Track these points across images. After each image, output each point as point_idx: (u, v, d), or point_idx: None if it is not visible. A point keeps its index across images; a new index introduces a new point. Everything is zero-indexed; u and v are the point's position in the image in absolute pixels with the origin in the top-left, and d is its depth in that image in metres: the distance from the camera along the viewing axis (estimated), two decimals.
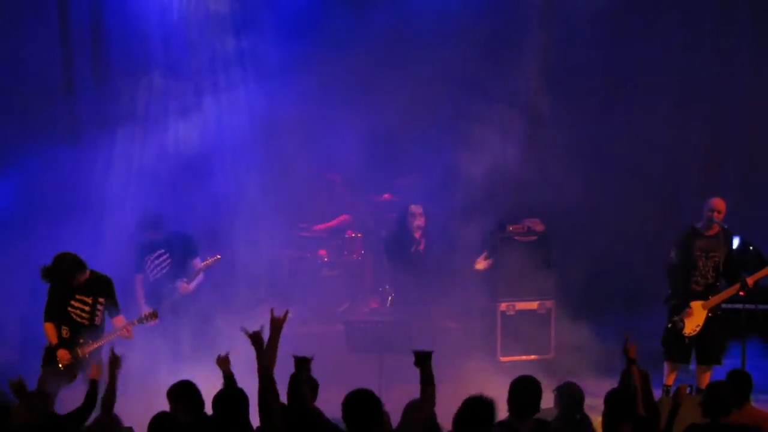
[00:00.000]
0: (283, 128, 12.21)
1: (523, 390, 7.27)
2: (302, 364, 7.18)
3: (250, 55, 12.25)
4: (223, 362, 7.93)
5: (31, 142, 11.95)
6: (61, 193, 11.85)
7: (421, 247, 11.67)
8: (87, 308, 9.96)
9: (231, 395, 7.15)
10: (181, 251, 11.08)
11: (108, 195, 11.91)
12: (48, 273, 9.79)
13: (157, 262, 11.10)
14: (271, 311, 7.33)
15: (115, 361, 7.62)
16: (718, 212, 10.67)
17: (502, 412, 7.60)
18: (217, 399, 7.13)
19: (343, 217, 13.03)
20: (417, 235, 11.67)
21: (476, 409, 6.90)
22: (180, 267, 11.09)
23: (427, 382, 7.07)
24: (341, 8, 12.54)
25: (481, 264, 11.70)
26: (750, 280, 10.61)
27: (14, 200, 11.96)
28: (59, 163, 11.91)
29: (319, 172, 12.87)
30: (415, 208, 11.70)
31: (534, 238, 12.61)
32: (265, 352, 7.21)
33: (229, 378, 7.84)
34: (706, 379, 10.65)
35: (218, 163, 12.24)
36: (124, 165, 12.01)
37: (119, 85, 12.37)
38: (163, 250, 11.07)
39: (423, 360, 7.12)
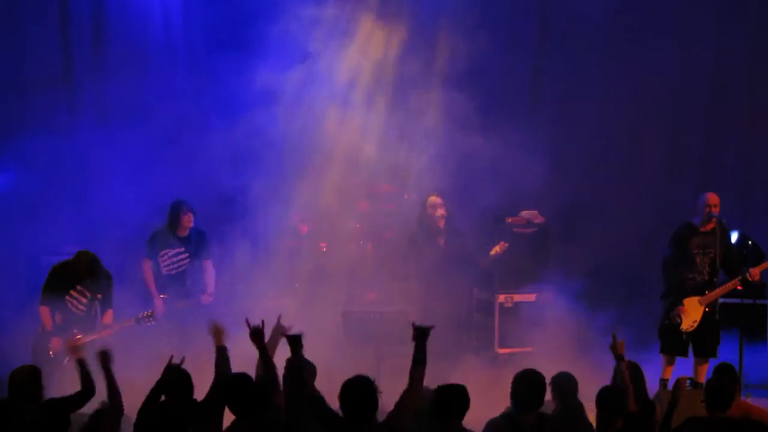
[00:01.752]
0: (283, 118, 12.18)
1: (528, 384, 7.26)
2: (295, 342, 7.09)
3: (253, 41, 12.21)
4: (217, 332, 7.83)
5: (31, 131, 11.94)
6: (60, 183, 11.83)
7: (442, 241, 11.38)
8: (84, 300, 10.05)
9: (239, 381, 7.09)
10: (197, 251, 11.06)
11: (108, 184, 11.87)
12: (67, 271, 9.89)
13: (175, 259, 11.05)
14: (279, 318, 7.37)
15: (105, 357, 7.35)
16: (715, 206, 10.72)
17: (498, 403, 7.63)
18: (227, 384, 7.10)
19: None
20: (441, 224, 11.33)
21: (450, 397, 6.91)
22: (193, 267, 11.07)
23: (418, 363, 7.03)
24: None
25: (496, 249, 11.51)
26: (755, 271, 10.60)
27: (13, 190, 11.92)
28: (58, 153, 11.90)
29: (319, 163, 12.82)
30: (435, 199, 11.44)
31: (533, 230, 12.61)
32: (264, 348, 7.20)
33: (221, 351, 7.78)
34: (703, 371, 10.72)
35: (218, 153, 12.21)
36: (124, 154, 11.97)
37: (119, 74, 12.34)
38: (183, 249, 11.04)
39: (421, 335, 7.09)
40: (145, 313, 10.32)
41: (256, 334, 7.27)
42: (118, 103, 12.28)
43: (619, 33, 13.61)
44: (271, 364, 7.27)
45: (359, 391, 6.72)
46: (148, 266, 11.05)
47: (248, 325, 7.30)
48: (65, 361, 9.75)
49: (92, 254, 10.06)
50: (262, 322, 7.31)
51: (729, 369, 8.36)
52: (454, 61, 12.69)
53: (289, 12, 11.97)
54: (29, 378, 7.51)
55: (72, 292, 10.05)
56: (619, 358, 7.75)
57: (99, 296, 10.13)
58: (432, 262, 11.23)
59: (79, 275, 10.01)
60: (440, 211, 11.36)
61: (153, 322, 10.35)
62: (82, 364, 7.63)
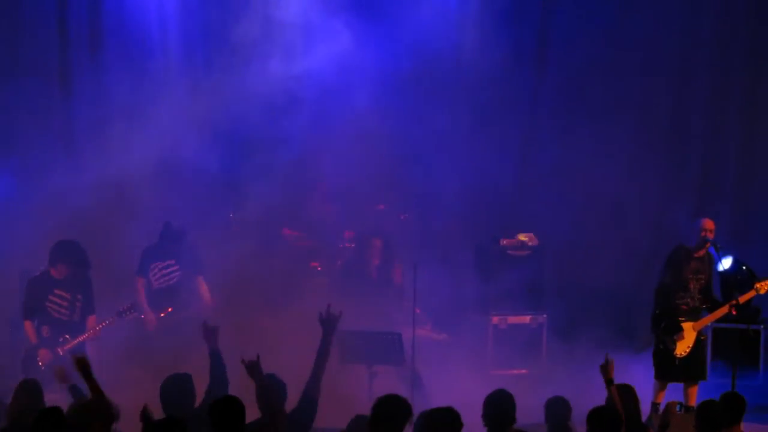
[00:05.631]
0: (279, 128, 12.19)
1: (498, 403, 7.22)
2: (252, 369, 7.08)
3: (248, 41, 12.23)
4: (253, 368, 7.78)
5: (27, 135, 11.94)
6: (55, 191, 11.81)
7: (374, 275, 11.44)
8: (65, 303, 10.07)
9: (227, 404, 6.86)
10: (188, 264, 11.02)
11: (104, 189, 11.82)
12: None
13: (165, 271, 11.00)
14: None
15: (82, 363, 7.10)
16: (711, 231, 10.79)
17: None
18: (213, 407, 6.87)
19: None
20: (375, 263, 11.42)
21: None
22: (186, 282, 11.03)
23: (322, 354, 7.25)
24: None
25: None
26: (742, 300, 10.68)
27: (6, 200, 11.89)
28: (55, 158, 11.90)
29: (312, 181, 12.81)
30: (376, 242, 11.49)
31: (528, 252, 12.63)
32: (263, 383, 7.07)
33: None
34: (693, 395, 10.78)
35: (213, 161, 12.20)
36: (121, 157, 11.95)
37: (116, 76, 12.34)
38: (173, 261, 11.00)
39: (328, 324, 7.27)
40: (125, 306, 10.32)
41: (253, 369, 7.07)
42: (115, 104, 12.27)
43: (616, 59, 13.67)
44: (273, 396, 7.10)
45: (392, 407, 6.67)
46: (140, 284, 10.99)
47: (243, 362, 7.12)
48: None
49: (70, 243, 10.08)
50: (258, 356, 7.10)
51: (735, 398, 8.22)
52: (453, 79, 12.77)
53: (285, 14, 12.04)
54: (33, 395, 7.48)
55: (51, 297, 10.07)
56: (608, 381, 7.70)
57: (79, 297, 10.12)
58: (364, 291, 11.10)
59: (57, 271, 10.02)
60: (376, 252, 11.38)
61: (135, 314, 10.40)
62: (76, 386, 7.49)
